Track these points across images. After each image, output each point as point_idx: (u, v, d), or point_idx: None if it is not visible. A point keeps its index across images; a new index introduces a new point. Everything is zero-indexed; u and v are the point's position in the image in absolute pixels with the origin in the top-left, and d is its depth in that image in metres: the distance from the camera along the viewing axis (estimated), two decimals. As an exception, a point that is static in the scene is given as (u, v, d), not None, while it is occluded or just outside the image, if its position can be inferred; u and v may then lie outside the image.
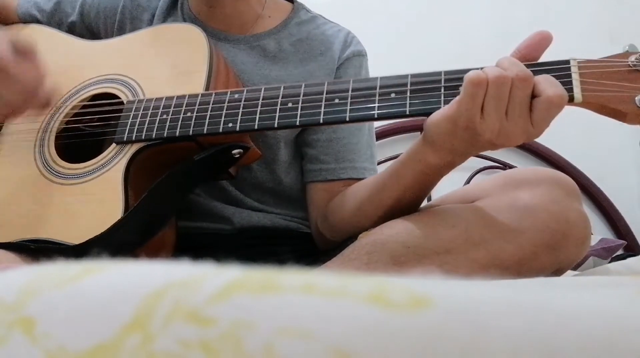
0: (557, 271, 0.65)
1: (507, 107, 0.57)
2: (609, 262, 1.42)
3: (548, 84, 0.57)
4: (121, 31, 0.91)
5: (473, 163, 1.83)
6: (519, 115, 0.57)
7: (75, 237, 0.69)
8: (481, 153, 1.81)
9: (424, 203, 0.75)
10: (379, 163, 1.72)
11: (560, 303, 0.20)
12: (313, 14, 0.98)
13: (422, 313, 0.19)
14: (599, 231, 1.83)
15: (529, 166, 1.83)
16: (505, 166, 1.84)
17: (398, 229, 0.66)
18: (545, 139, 1.87)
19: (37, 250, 0.71)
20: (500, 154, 1.87)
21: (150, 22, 0.92)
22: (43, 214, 0.73)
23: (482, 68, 0.59)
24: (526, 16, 1.98)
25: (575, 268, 1.30)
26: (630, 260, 1.05)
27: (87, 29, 0.95)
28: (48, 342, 0.20)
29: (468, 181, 1.79)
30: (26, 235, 0.71)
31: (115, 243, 0.70)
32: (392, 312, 0.19)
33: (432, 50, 1.85)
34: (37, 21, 0.96)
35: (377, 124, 1.78)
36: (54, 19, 0.95)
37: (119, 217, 0.69)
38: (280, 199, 0.92)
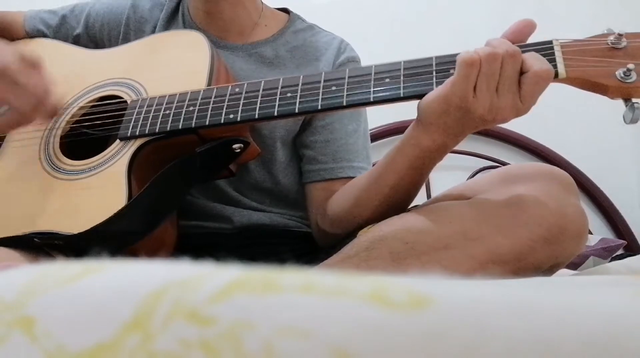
0: (555, 266, 0.65)
1: (498, 83, 0.60)
2: (609, 262, 1.42)
3: (535, 60, 0.60)
4: (125, 42, 0.93)
5: (473, 162, 1.83)
6: (509, 90, 0.60)
7: (77, 227, 0.69)
8: (481, 153, 1.83)
9: (424, 200, 0.76)
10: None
11: (560, 303, 0.20)
12: (308, 24, 1.01)
13: (422, 312, 0.19)
14: (599, 231, 1.84)
15: (529, 166, 1.83)
16: (505, 165, 1.84)
17: (397, 226, 0.66)
18: (546, 139, 1.88)
19: (41, 243, 0.71)
20: (500, 154, 1.87)
21: (152, 33, 0.94)
22: (46, 209, 0.74)
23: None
24: (526, 16, 1.98)
25: (575, 268, 1.30)
26: (630, 260, 1.05)
27: (92, 41, 0.97)
28: (48, 342, 0.20)
29: (468, 181, 1.79)
30: (30, 228, 0.72)
31: (116, 233, 0.71)
32: (392, 312, 0.19)
33: (432, 50, 1.85)
34: (44, 35, 0.98)
35: (376, 124, 1.79)
36: (60, 33, 0.98)
37: (121, 207, 0.69)
38: (278, 199, 0.93)
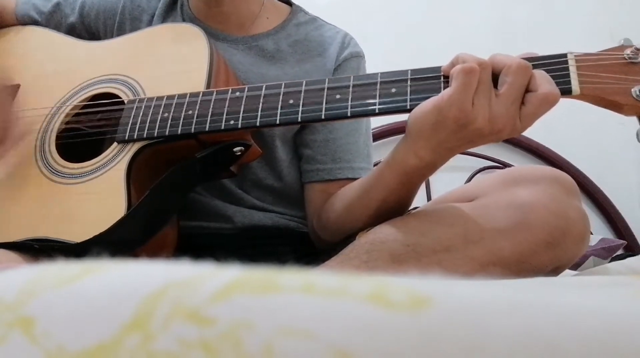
0: (556, 269, 0.65)
1: (504, 93, 0.57)
2: (609, 262, 1.42)
3: (544, 81, 0.58)
4: (121, 32, 0.92)
5: (473, 162, 1.83)
6: (512, 102, 0.58)
7: (78, 235, 0.69)
8: (481, 153, 1.83)
9: (424, 201, 0.75)
10: (378, 163, 1.72)
11: (560, 302, 0.20)
12: (311, 16, 0.98)
13: (422, 313, 0.19)
14: (599, 231, 1.83)
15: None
16: (505, 166, 1.84)
17: (397, 227, 0.66)
18: (545, 139, 1.88)
19: (40, 249, 0.71)
20: (500, 154, 1.87)
21: (150, 23, 0.92)
22: (45, 214, 0.73)
23: None
24: (526, 16, 1.98)
25: (575, 268, 1.30)
26: (630, 260, 1.05)
27: (87, 30, 0.95)
28: (48, 342, 0.20)
29: (468, 181, 1.79)
30: (29, 234, 0.71)
31: (117, 241, 0.70)
32: (392, 312, 0.19)
33: (432, 50, 1.85)
34: (36, 23, 0.96)
35: (377, 124, 1.79)
36: (53, 20, 0.95)
37: (122, 215, 0.69)
38: (281, 197, 0.92)
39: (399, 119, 1.82)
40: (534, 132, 1.89)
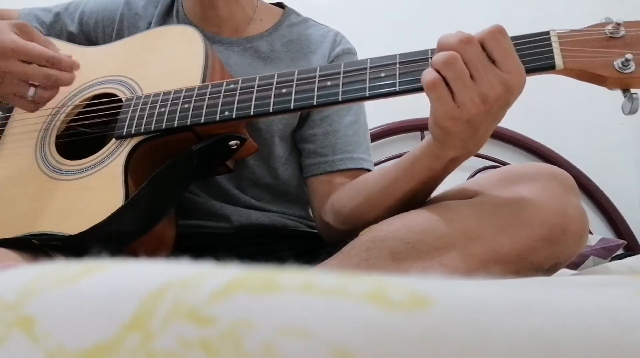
0: (554, 266, 0.65)
1: (471, 74, 0.57)
2: (609, 261, 1.42)
3: (483, 32, 0.58)
4: (119, 39, 0.93)
5: (473, 162, 1.83)
6: (485, 71, 0.57)
7: (75, 228, 0.69)
8: (481, 153, 1.83)
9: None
10: (379, 163, 1.72)
11: (560, 302, 0.20)
12: (303, 17, 1.01)
13: (422, 312, 0.19)
14: (599, 231, 1.83)
15: (529, 166, 1.83)
16: (505, 165, 1.84)
17: (397, 225, 0.66)
18: (545, 139, 1.88)
19: (40, 244, 0.71)
20: (500, 154, 1.87)
21: (147, 30, 0.94)
22: (44, 210, 0.73)
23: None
24: (526, 16, 1.98)
25: (575, 268, 1.30)
26: (630, 260, 1.05)
27: (86, 38, 0.97)
28: (48, 341, 0.20)
29: (468, 181, 1.79)
30: (28, 229, 0.72)
31: (115, 233, 0.71)
32: (392, 311, 0.19)
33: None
34: None
35: (376, 124, 1.79)
36: (54, 30, 0.98)
37: (119, 206, 0.69)
38: (278, 196, 0.93)
39: (399, 119, 1.81)
40: (534, 132, 1.90)
